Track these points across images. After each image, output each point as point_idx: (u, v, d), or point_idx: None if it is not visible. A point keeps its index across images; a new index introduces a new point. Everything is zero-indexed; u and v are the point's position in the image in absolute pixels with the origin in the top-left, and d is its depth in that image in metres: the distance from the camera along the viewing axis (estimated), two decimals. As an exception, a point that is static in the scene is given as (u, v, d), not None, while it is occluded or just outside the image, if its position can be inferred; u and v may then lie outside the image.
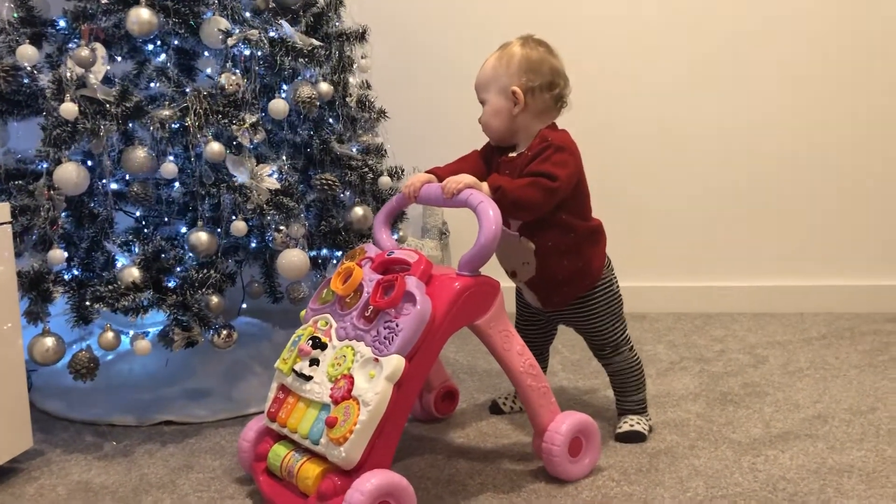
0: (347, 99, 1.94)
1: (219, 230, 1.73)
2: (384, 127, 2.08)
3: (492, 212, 1.37)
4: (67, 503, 1.44)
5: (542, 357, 1.81)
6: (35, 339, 1.63)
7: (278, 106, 1.74)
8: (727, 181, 2.70)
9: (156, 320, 1.71)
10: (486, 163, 1.64)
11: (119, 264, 1.71)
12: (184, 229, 1.80)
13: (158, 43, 1.83)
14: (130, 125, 1.68)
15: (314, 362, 1.38)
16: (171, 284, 1.68)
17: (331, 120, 1.95)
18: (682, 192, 2.72)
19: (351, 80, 1.97)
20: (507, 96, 1.55)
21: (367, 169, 1.91)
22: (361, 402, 1.25)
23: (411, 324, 1.29)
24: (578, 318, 1.64)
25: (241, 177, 1.70)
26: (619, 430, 1.66)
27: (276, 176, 1.74)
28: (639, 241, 2.75)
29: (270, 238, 1.77)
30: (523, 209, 1.48)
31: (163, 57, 1.81)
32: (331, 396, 1.30)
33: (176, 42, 1.82)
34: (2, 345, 1.47)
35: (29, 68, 1.70)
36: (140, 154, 1.66)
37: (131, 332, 1.74)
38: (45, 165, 1.64)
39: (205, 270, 1.70)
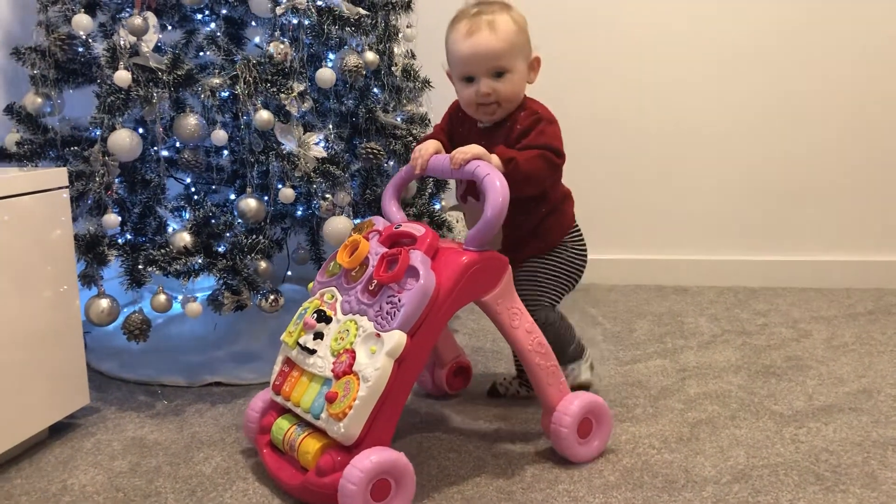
0: (393, 68, 1.95)
1: (266, 197, 1.77)
2: (428, 96, 2.10)
3: (499, 183, 1.33)
4: (123, 457, 1.49)
5: None
6: (91, 300, 1.69)
7: (325, 75, 1.76)
8: (775, 154, 2.66)
9: (204, 285, 1.75)
10: (448, 136, 1.60)
11: (171, 229, 1.75)
12: (233, 196, 1.84)
13: (207, 12, 1.86)
14: (181, 93, 1.71)
15: (318, 336, 1.36)
16: (221, 249, 1.72)
17: (376, 89, 1.96)
18: (729, 164, 2.69)
19: (396, 49, 1.98)
20: (530, 65, 1.52)
21: (411, 138, 1.92)
22: (361, 378, 1.23)
23: (414, 299, 1.26)
24: (529, 277, 1.58)
25: (288, 145, 1.72)
26: (572, 383, 1.60)
27: (322, 144, 1.76)
28: (680, 214, 2.73)
29: (317, 205, 1.80)
30: (533, 183, 1.44)
31: (212, 26, 1.84)
32: (332, 371, 1.28)
33: (225, 11, 1.85)
34: (60, 306, 1.53)
35: (84, 37, 1.74)
36: (191, 121, 1.69)
37: (180, 296, 1.79)
38: (99, 132, 1.68)
39: (253, 236, 1.73)
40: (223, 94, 1.70)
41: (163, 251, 1.69)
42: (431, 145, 1.48)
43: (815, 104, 2.62)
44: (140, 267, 1.69)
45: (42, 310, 1.48)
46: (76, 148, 1.71)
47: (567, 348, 1.62)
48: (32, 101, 1.78)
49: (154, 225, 1.78)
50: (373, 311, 1.31)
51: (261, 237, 1.74)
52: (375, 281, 1.32)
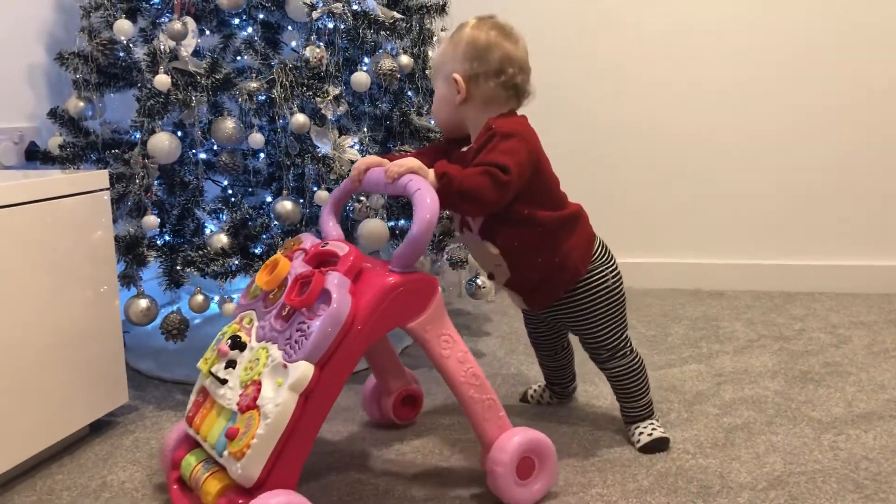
0: (427, 71, 1.96)
1: (302, 200, 1.79)
2: (462, 99, 2.10)
3: (429, 199, 1.19)
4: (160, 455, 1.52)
5: (564, 366, 1.68)
6: (131, 300, 1.72)
7: (360, 78, 1.77)
8: (814, 157, 2.63)
9: (241, 286, 1.77)
10: (446, 156, 1.45)
11: (208, 231, 1.78)
12: (269, 198, 1.86)
13: (245, 17, 1.88)
14: (219, 97, 1.73)
15: (231, 364, 1.24)
16: (258, 251, 1.74)
17: (410, 93, 1.97)
18: (767, 167, 2.66)
19: (430, 52, 1.99)
20: (451, 84, 1.39)
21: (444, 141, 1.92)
22: (262, 415, 1.12)
23: (323, 326, 1.14)
24: (568, 316, 1.47)
25: (324, 148, 1.74)
26: (638, 444, 1.50)
27: (357, 147, 1.77)
28: (716, 218, 2.70)
29: (351, 208, 1.82)
30: (473, 201, 1.28)
31: (249, 30, 1.87)
32: (238, 404, 1.17)
33: (262, 16, 1.87)
34: (101, 305, 1.56)
35: (125, 42, 1.77)
36: (229, 124, 1.71)
37: (217, 297, 1.82)
38: (139, 135, 1.72)
39: (289, 238, 1.75)
40: (260, 97, 1.72)
41: (200, 252, 1.72)
42: (371, 159, 1.36)
43: (854, 106, 2.58)
44: (178, 268, 1.72)
45: (83, 309, 1.51)
46: (117, 151, 1.75)
47: (644, 399, 1.53)
48: (75, 104, 1.82)
49: (192, 227, 1.81)
50: (283, 338, 1.19)
51: (296, 239, 1.76)
52: (288, 306, 1.21)
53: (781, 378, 1.87)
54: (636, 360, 1.51)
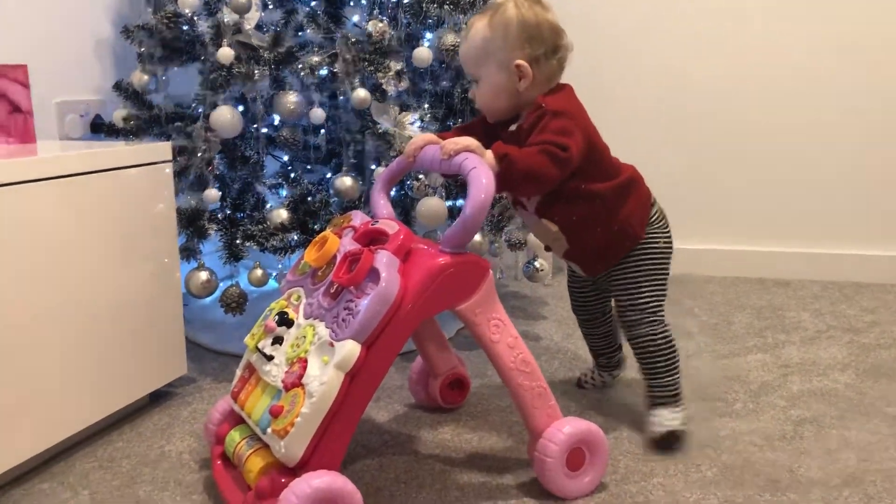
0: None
1: (361, 177, 1.77)
2: (525, 77, 2.05)
3: (484, 179, 1.15)
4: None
5: (607, 334, 1.64)
6: (191, 272, 1.73)
7: (422, 54, 1.74)
8: (885, 145, 2.51)
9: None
10: (486, 135, 1.38)
11: (268, 206, 1.78)
12: (329, 174, 1.85)
13: (308, -10, 1.87)
14: (281, 71, 1.73)
15: (278, 341, 1.22)
16: (317, 227, 1.73)
17: (472, 69, 1.94)
18: (837, 155, 2.55)
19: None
20: (511, 71, 1.33)
21: (507, 119, 1.89)
22: (307, 393, 1.09)
23: (371, 305, 1.10)
24: (618, 278, 1.44)
25: (384, 124, 1.72)
26: (651, 435, 1.42)
27: (417, 124, 1.75)
28: (783, 205, 2.61)
29: (410, 186, 1.79)
30: (535, 180, 1.25)
31: (312, 4, 1.85)
32: (283, 381, 1.15)
33: (325, -11, 1.86)
34: (162, 277, 1.56)
35: (189, 15, 1.77)
36: (291, 99, 1.70)
37: (276, 271, 1.82)
38: (202, 109, 1.72)
39: (339, 215, 1.74)
40: (322, 72, 1.70)
41: (260, 227, 1.72)
42: (426, 136, 1.32)
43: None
44: (238, 242, 1.72)
45: (145, 281, 1.52)
46: (179, 124, 1.76)
47: (670, 378, 1.44)
48: (139, 78, 1.83)
49: (252, 201, 1.81)
50: (330, 316, 1.16)
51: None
52: (335, 283, 1.18)
53: (852, 371, 1.79)
54: (667, 331, 1.43)
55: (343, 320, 1.12)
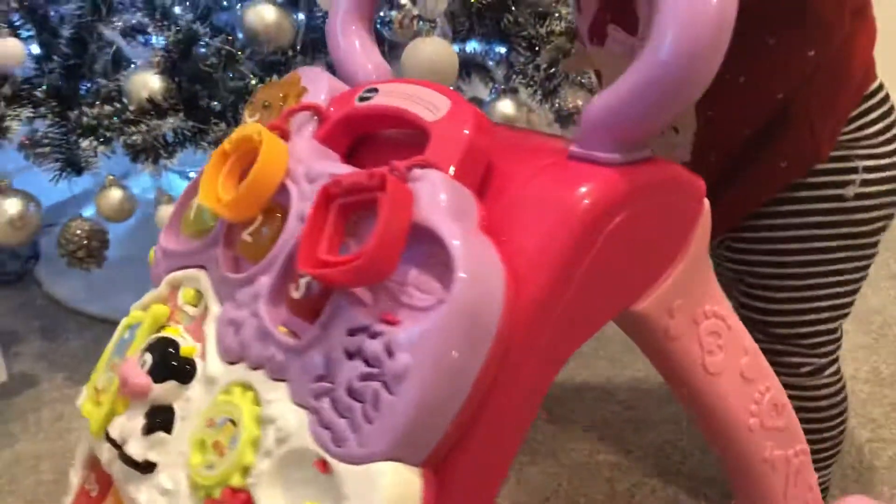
0: None
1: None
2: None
3: None
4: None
5: None
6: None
7: None
8: None
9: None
10: None
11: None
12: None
13: None
14: None
15: (157, 421, 0.48)
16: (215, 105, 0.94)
17: None
18: None
19: None
20: None
21: None
22: None
23: (437, 351, 0.39)
24: (763, 247, 0.69)
25: None
26: None
27: None
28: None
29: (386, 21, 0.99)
30: None
31: None
32: None
33: None
34: None
35: None
36: None
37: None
38: None
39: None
40: None
41: (111, 107, 0.93)
42: None
43: None
44: (73, 137, 0.93)
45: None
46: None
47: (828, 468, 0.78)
48: None
49: (95, 65, 1.00)
50: (301, 367, 0.43)
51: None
52: (309, 276, 0.44)
53: None
54: (841, 381, 0.74)
55: (350, 391, 0.41)
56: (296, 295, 0.45)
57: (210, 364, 0.48)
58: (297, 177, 0.49)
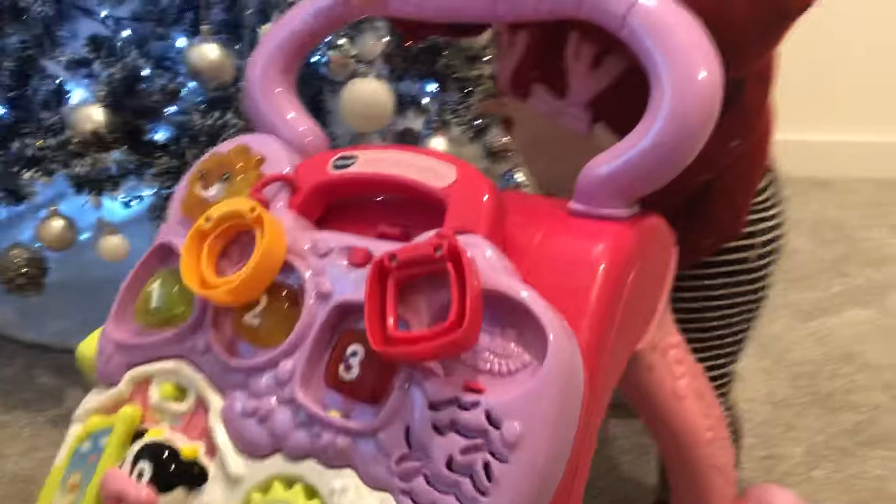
0: None
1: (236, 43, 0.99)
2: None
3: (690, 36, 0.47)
4: None
5: None
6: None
7: None
8: None
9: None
10: None
11: (69, 99, 0.99)
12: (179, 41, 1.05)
13: None
14: None
15: None
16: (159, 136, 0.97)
17: None
18: None
19: None
20: None
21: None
22: None
23: (544, 410, 0.40)
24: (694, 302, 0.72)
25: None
26: None
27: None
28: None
29: (323, 61, 1.03)
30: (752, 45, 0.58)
31: None
32: None
33: None
34: None
35: None
36: None
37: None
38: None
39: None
40: None
41: (56, 139, 0.94)
42: None
43: None
44: (16, 168, 0.94)
45: None
46: None
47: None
48: None
49: (41, 92, 1.01)
50: (379, 450, 0.42)
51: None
52: (359, 354, 0.44)
53: None
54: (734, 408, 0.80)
55: (455, 466, 0.40)
56: (347, 377, 0.44)
57: (230, 462, 0.45)
58: (301, 252, 0.47)
